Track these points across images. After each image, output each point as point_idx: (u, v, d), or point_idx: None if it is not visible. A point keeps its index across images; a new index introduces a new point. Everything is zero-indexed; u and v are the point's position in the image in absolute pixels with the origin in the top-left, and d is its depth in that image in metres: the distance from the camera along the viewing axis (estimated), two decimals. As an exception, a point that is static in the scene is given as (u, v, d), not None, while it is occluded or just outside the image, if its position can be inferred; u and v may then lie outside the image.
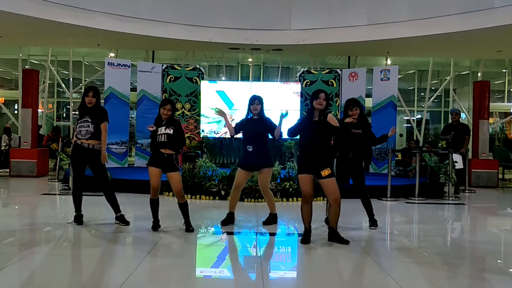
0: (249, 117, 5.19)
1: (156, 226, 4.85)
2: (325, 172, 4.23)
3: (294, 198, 7.02)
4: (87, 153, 4.98)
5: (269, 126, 5.06)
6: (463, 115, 13.14)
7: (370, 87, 10.88)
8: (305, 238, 4.40)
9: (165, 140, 4.73)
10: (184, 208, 4.85)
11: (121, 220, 5.08)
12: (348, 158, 5.13)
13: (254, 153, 4.96)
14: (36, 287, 3.30)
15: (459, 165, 8.23)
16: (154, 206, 4.89)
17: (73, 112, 14.22)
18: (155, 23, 9.38)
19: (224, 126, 9.54)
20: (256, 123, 5.09)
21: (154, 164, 4.82)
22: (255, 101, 5.12)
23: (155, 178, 4.83)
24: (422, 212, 6.76)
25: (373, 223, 5.24)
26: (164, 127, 4.77)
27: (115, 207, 5.12)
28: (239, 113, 9.21)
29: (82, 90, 14.35)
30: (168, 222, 5.17)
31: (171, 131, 4.75)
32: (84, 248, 4.25)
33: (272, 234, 4.96)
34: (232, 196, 5.20)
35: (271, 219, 5.32)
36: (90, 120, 4.96)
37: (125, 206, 5.74)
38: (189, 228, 4.80)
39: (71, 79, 13.43)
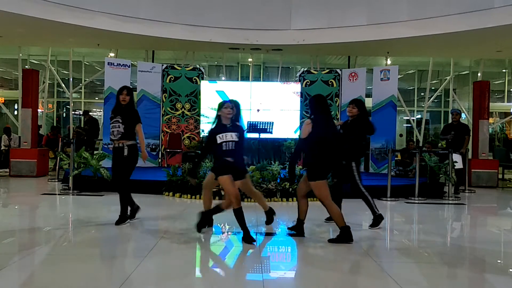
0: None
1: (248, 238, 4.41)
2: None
3: (294, 198, 7.02)
4: (120, 152, 4.97)
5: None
6: (463, 115, 13.14)
7: (370, 87, 10.88)
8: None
9: (233, 148, 4.44)
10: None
11: (132, 214, 5.16)
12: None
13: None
14: (36, 287, 3.29)
15: (459, 165, 8.23)
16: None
17: (73, 112, 14.23)
18: (155, 23, 9.39)
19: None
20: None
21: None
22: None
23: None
24: (422, 212, 6.76)
25: (374, 222, 5.17)
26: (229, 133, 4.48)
27: (125, 209, 5.10)
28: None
29: (82, 90, 14.52)
30: (168, 222, 5.17)
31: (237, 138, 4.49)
32: (84, 248, 4.24)
33: (272, 234, 4.96)
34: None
35: (269, 215, 5.18)
36: (120, 121, 4.97)
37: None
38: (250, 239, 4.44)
39: (71, 79, 13.44)
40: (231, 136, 4.44)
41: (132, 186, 7.57)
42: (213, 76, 15.04)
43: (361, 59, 12.68)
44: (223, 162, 4.42)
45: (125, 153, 4.97)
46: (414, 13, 8.99)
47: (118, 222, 5.02)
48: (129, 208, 5.21)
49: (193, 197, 7.10)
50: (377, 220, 5.18)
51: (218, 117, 4.54)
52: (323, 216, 5.43)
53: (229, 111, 4.48)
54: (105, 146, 9.92)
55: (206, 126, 10.47)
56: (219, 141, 4.41)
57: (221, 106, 4.54)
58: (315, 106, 4.59)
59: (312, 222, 5.29)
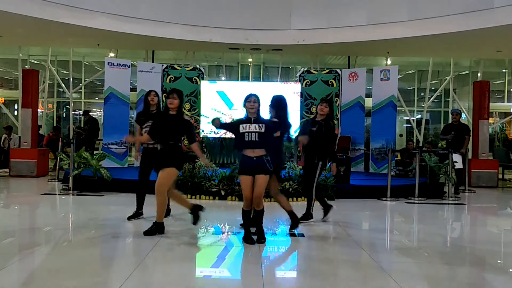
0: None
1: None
2: None
3: (294, 198, 7.02)
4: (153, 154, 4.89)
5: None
6: (463, 115, 13.15)
7: (370, 87, 10.88)
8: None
9: (256, 139, 4.30)
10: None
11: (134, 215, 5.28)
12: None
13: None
14: (36, 287, 3.29)
15: (459, 165, 8.23)
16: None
17: (73, 112, 14.23)
18: (155, 23, 9.39)
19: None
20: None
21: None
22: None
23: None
24: (422, 212, 6.76)
25: (304, 216, 5.28)
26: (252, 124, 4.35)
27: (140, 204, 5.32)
28: (239, 113, 9.20)
29: (82, 90, 14.53)
30: (168, 222, 5.16)
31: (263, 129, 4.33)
32: (84, 248, 4.24)
33: (272, 234, 4.96)
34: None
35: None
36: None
37: (125, 206, 5.76)
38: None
39: (71, 79, 13.44)
40: (255, 128, 4.29)
41: (132, 186, 7.64)
42: (213, 76, 15.04)
43: (361, 59, 12.67)
44: (242, 159, 4.37)
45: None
46: (414, 13, 8.99)
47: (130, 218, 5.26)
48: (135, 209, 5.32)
49: (193, 197, 7.10)
50: (307, 217, 5.31)
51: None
52: (323, 215, 5.43)
53: (252, 105, 4.35)
54: (105, 146, 9.93)
55: (206, 126, 10.47)
56: (241, 130, 4.32)
57: (245, 100, 4.44)
58: (280, 106, 4.94)
59: (312, 222, 5.30)
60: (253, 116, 4.35)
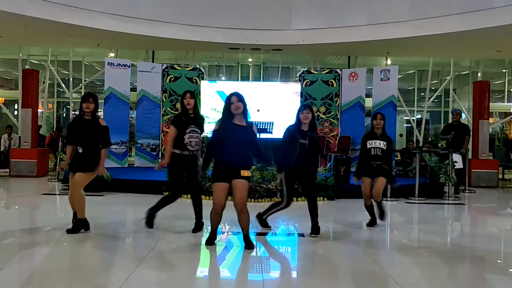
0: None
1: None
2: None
3: (294, 198, 7.00)
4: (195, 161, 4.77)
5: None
6: (463, 115, 13.14)
7: (370, 87, 10.88)
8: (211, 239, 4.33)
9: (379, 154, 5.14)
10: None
11: (197, 227, 4.82)
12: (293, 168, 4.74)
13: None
14: (36, 287, 3.29)
15: (459, 165, 8.23)
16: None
17: (73, 112, 14.21)
18: (155, 23, 9.38)
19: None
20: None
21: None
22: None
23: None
24: (422, 212, 6.77)
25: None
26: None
27: (199, 214, 4.88)
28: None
29: (82, 90, 14.52)
30: (168, 222, 5.17)
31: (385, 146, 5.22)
32: (84, 248, 4.24)
33: (272, 234, 4.96)
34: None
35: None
36: (199, 131, 4.78)
37: (125, 206, 5.76)
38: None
39: (71, 79, 13.44)
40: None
41: (132, 186, 7.66)
42: (213, 76, 15.04)
43: (361, 59, 12.67)
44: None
45: (200, 163, 4.71)
46: (414, 13, 8.98)
47: (195, 230, 4.81)
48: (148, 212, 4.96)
49: (193, 197, 7.09)
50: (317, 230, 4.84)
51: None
52: (324, 216, 5.42)
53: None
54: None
55: (206, 126, 10.45)
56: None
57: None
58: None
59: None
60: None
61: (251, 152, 4.28)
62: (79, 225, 4.66)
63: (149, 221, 4.88)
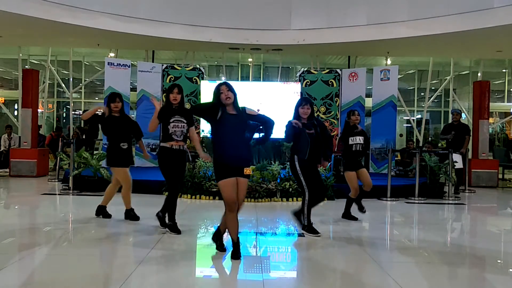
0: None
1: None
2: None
3: (294, 198, 7.03)
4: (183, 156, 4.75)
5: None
6: (463, 115, 13.15)
7: (370, 87, 10.88)
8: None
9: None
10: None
11: (172, 228, 4.69)
12: (305, 160, 4.72)
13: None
14: (36, 287, 3.29)
15: (459, 165, 8.23)
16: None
17: (73, 112, 14.22)
18: (155, 23, 9.38)
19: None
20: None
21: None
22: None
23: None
24: (422, 212, 6.77)
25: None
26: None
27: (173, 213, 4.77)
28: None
29: (82, 90, 14.53)
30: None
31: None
32: (84, 248, 4.24)
33: (272, 234, 4.96)
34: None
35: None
36: (185, 121, 4.70)
37: (125, 206, 5.75)
38: None
39: (71, 79, 13.44)
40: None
41: (132, 186, 7.63)
42: (213, 76, 15.04)
43: (361, 59, 12.67)
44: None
45: (189, 158, 4.79)
46: (414, 13, 8.98)
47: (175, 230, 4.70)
48: (161, 214, 4.87)
49: (193, 197, 7.11)
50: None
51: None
52: (324, 215, 5.43)
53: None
54: (105, 146, 9.92)
55: (206, 126, 10.47)
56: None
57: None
58: None
59: (312, 222, 5.29)
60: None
61: (253, 133, 4.08)
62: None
63: (163, 223, 4.77)
